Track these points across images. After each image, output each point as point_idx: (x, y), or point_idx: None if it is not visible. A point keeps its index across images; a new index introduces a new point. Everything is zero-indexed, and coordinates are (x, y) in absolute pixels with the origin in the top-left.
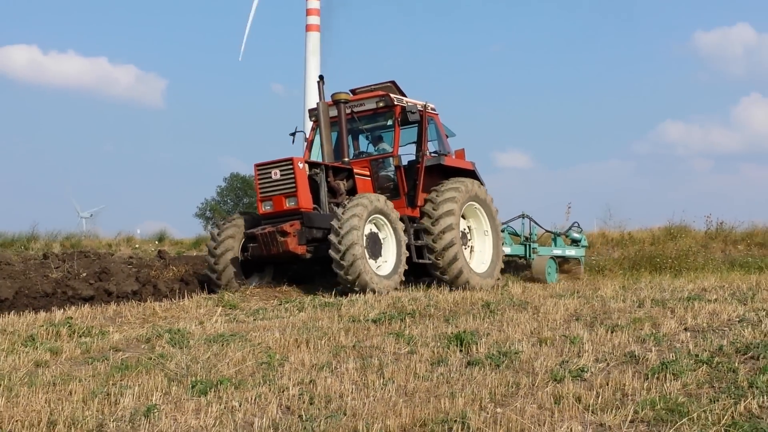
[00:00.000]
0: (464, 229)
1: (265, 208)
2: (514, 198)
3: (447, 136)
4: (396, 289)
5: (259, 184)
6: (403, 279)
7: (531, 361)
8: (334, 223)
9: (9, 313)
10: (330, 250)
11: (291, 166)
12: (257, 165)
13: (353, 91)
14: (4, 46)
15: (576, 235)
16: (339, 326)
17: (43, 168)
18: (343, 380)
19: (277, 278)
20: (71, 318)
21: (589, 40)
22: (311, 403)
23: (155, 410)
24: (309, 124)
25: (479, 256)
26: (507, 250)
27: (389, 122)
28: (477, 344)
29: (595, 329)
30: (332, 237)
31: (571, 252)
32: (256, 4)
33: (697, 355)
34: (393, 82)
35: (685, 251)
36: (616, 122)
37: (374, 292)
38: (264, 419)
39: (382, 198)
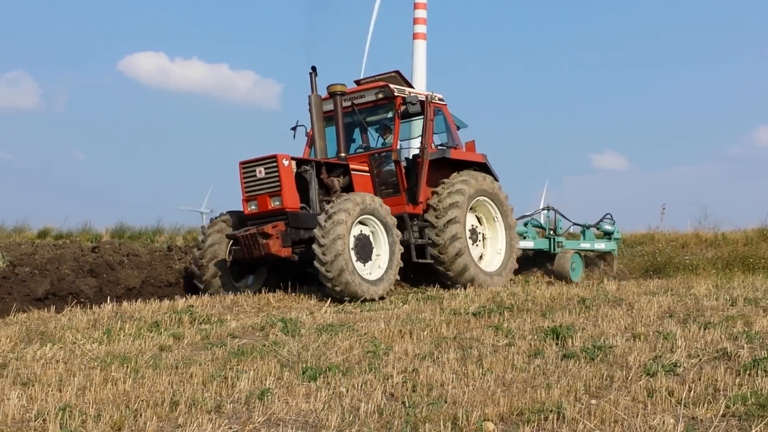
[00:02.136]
0: (474, 225)
1: (251, 208)
2: (608, 198)
3: (458, 128)
4: (389, 292)
5: (244, 182)
6: (398, 278)
7: (625, 356)
8: (317, 231)
9: (136, 301)
10: (315, 261)
11: (275, 164)
12: (242, 162)
13: (358, 82)
14: (134, 54)
15: (608, 227)
16: (441, 318)
17: (169, 166)
18: (444, 370)
19: (271, 280)
20: (192, 306)
21: (685, 46)
22: (414, 391)
23: (269, 393)
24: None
25: (491, 252)
26: (530, 244)
27: (390, 114)
28: (572, 338)
29: (688, 326)
30: (316, 247)
31: (600, 245)
32: (374, 21)
33: None
34: (398, 72)
35: None
36: (711, 126)
37: (364, 301)
38: (369, 405)
39: (370, 197)
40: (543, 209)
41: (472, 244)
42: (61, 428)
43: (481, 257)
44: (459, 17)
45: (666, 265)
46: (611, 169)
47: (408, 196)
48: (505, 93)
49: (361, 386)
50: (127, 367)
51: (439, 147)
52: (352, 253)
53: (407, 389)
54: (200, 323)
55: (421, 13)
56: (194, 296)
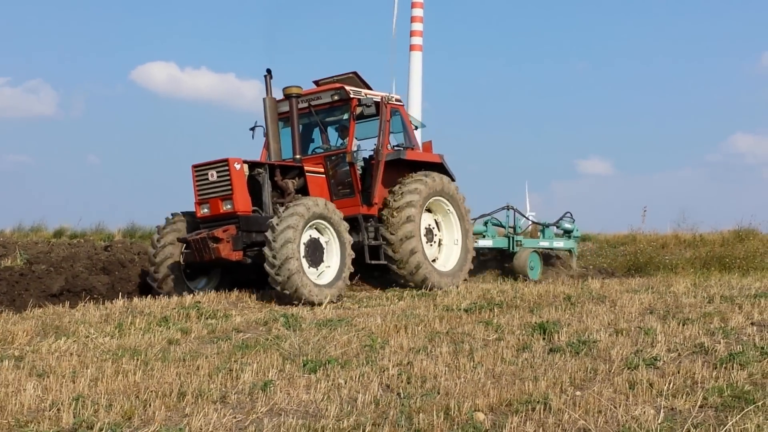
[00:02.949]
0: (430, 225)
1: (203, 211)
2: (593, 202)
3: (416, 128)
4: (337, 299)
5: (197, 185)
6: (348, 284)
7: (608, 350)
8: (268, 235)
9: (145, 297)
10: (265, 264)
11: (227, 168)
12: (194, 166)
13: (317, 83)
14: (146, 63)
15: (567, 226)
16: (434, 314)
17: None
18: (438, 363)
19: (225, 282)
20: (199, 302)
21: (666, 57)
22: (408, 383)
23: (271, 385)
24: None
25: (447, 252)
26: (489, 243)
27: (345, 116)
28: (558, 333)
29: (668, 322)
30: (266, 251)
31: (559, 244)
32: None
33: (762, 348)
34: (355, 73)
35: (752, 252)
36: (690, 134)
37: (312, 305)
38: (366, 395)
39: (322, 201)
40: (502, 208)
41: (427, 243)
42: (74, 417)
43: (436, 258)
44: (451, 25)
45: (647, 264)
46: (596, 173)
47: (362, 198)
48: (493, 99)
49: (359, 378)
50: (138, 359)
51: (395, 148)
52: (303, 257)
53: (402, 381)
54: (206, 318)
55: (417, 26)
56: (201, 293)
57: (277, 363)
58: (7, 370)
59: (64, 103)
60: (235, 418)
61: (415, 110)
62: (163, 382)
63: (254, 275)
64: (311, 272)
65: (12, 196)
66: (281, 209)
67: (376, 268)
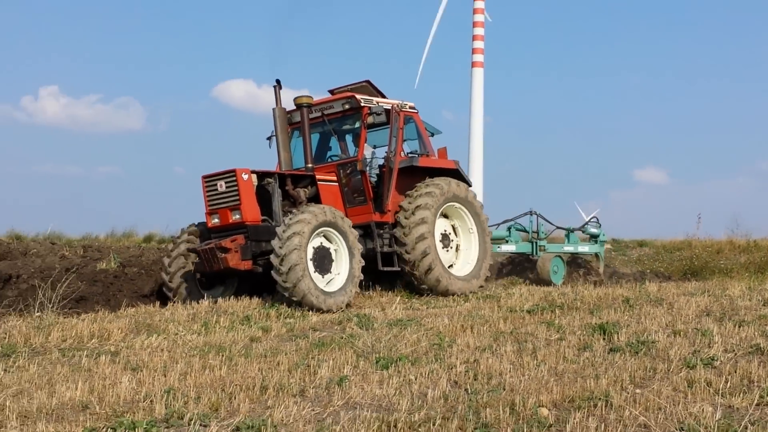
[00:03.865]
0: (446, 231)
1: (213, 221)
2: (649, 210)
3: (432, 135)
4: (349, 305)
5: (207, 196)
6: (358, 291)
7: (666, 350)
8: (275, 242)
9: (229, 298)
10: (272, 271)
11: (234, 178)
12: (204, 177)
13: (332, 92)
14: (226, 81)
15: (594, 230)
16: (498, 315)
17: None
18: (502, 360)
19: (241, 290)
20: (279, 303)
21: (718, 68)
22: (475, 379)
23: (346, 380)
24: None
25: (465, 257)
26: (512, 248)
27: (357, 124)
28: (618, 333)
29: (724, 324)
30: (273, 258)
31: (584, 248)
32: (431, 39)
33: None
34: (368, 82)
35: None
36: (743, 142)
37: (321, 311)
38: (436, 391)
39: (329, 209)
40: (525, 214)
41: (443, 248)
42: (166, 408)
43: (453, 263)
44: (510, 40)
45: (702, 268)
46: (652, 182)
47: (375, 205)
48: (551, 111)
49: (428, 374)
50: (223, 355)
51: (409, 155)
52: (310, 264)
53: (469, 378)
54: (285, 318)
55: (478, 44)
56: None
57: (351, 360)
58: (105, 364)
59: (151, 117)
60: (313, 410)
61: (476, 124)
62: (247, 377)
63: (271, 283)
64: (319, 279)
65: (105, 205)
66: (279, 228)
67: (393, 275)
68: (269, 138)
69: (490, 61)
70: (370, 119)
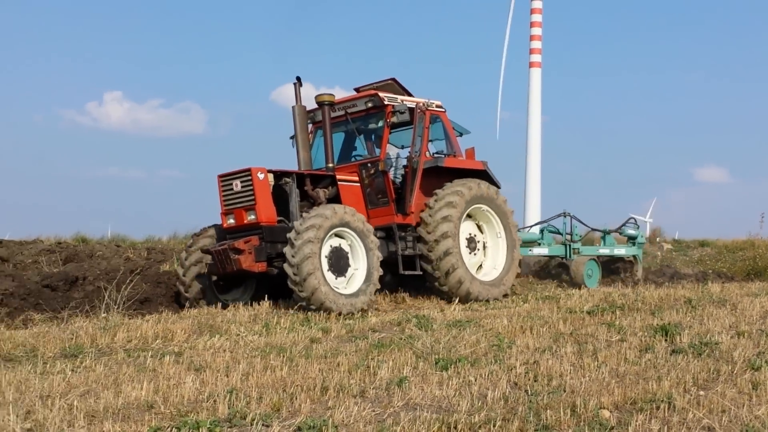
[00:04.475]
0: (472, 234)
1: (229, 221)
2: (710, 209)
3: (461, 134)
4: (368, 306)
5: (222, 196)
6: (378, 287)
7: (730, 351)
8: (287, 251)
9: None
10: (288, 280)
11: (250, 177)
12: (220, 176)
13: (357, 90)
14: (285, 85)
15: (631, 232)
16: (558, 316)
17: None
18: (563, 362)
19: (259, 293)
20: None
21: None
22: (535, 381)
23: (406, 381)
24: None
25: (491, 261)
26: (544, 251)
27: (381, 123)
28: (680, 335)
29: None
30: (287, 267)
31: (620, 251)
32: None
33: None
34: (394, 79)
35: None
36: None
37: (340, 314)
38: (496, 392)
39: (341, 209)
40: (558, 215)
41: (470, 253)
42: (229, 408)
43: (480, 266)
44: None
45: (766, 269)
46: (712, 181)
47: (397, 206)
48: (609, 109)
49: (488, 376)
50: (284, 356)
51: (435, 155)
52: (326, 269)
53: (529, 379)
54: (345, 319)
55: (536, 44)
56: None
57: (410, 361)
58: (169, 364)
59: (212, 121)
60: (373, 411)
61: (534, 124)
62: (307, 377)
63: (288, 287)
64: (337, 282)
65: (167, 208)
66: (297, 222)
67: (416, 278)
68: (292, 137)
69: (548, 59)
70: (393, 118)
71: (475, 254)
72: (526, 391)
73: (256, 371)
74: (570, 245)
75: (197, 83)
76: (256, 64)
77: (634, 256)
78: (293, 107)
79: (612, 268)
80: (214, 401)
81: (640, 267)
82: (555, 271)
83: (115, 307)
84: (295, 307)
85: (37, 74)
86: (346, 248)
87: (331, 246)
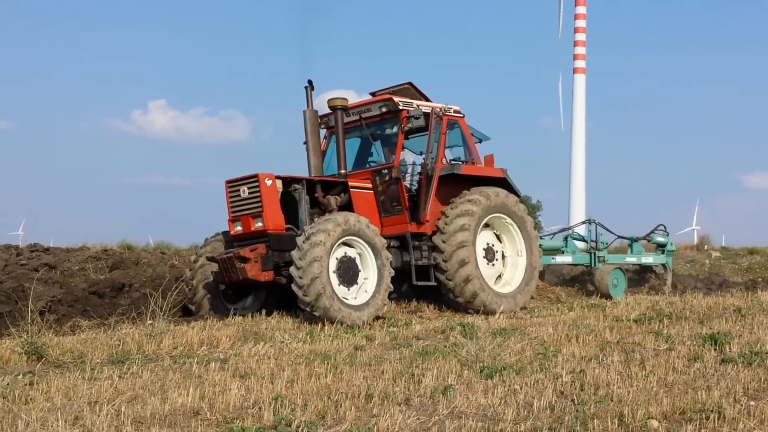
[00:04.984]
0: (490, 244)
1: (236, 228)
2: (759, 217)
3: (480, 141)
4: (378, 317)
5: (230, 202)
6: (387, 302)
7: None
8: (295, 254)
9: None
10: (293, 285)
11: (257, 184)
12: (227, 182)
13: (373, 94)
14: (328, 92)
15: (660, 239)
16: (604, 324)
17: None
18: (609, 371)
19: (269, 302)
20: (382, 313)
21: None
22: (582, 390)
23: (451, 389)
24: None
25: (510, 273)
26: (568, 259)
27: (395, 128)
28: (730, 344)
29: None
30: (293, 270)
31: (648, 259)
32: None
33: None
34: (410, 84)
35: None
36: None
37: (347, 326)
38: (541, 401)
39: (353, 217)
40: (583, 222)
41: (488, 264)
42: (274, 415)
43: (499, 277)
44: (613, 45)
45: None
46: (761, 188)
47: (411, 215)
48: (655, 116)
49: (533, 384)
50: (328, 363)
51: (452, 162)
52: (334, 276)
53: (575, 388)
54: (389, 326)
55: (580, 50)
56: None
57: (455, 369)
58: (214, 371)
59: (255, 128)
60: (418, 419)
61: (578, 131)
62: (352, 385)
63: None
64: (343, 292)
65: (209, 215)
66: (299, 238)
67: (432, 289)
68: (305, 143)
69: (592, 65)
70: (408, 123)
71: (493, 265)
72: (572, 400)
73: (301, 378)
74: (595, 253)
75: (240, 91)
76: (298, 70)
77: (663, 265)
78: (304, 111)
79: (642, 278)
80: (260, 408)
81: (669, 276)
82: (580, 280)
83: (161, 314)
84: (300, 317)
85: (83, 83)
86: (357, 259)
87: (341, 254)
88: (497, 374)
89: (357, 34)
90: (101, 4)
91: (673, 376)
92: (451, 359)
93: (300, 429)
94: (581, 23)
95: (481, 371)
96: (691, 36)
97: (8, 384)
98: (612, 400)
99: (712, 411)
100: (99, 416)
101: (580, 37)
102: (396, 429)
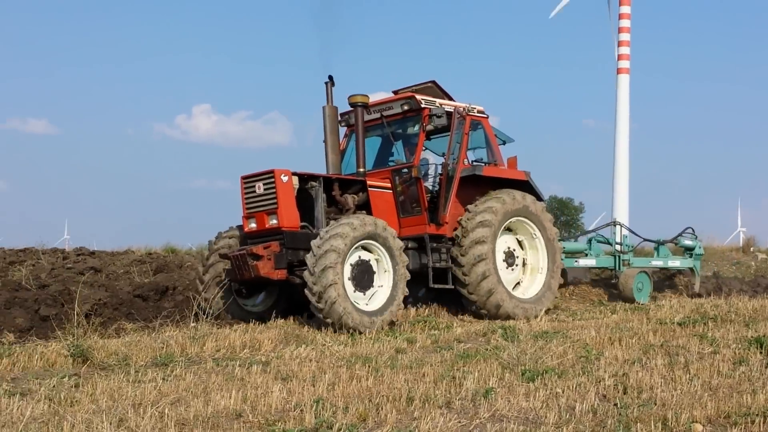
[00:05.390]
0: (510, 248)
1: (250, 225)
2: None
3: (504, 142)
4: (393, 322)
5: (245, 198)
6: (403, 308)
7: None
8: (309, 258)
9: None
10: (306, 290)
11: (273, 180)
12: (243, 177)
13: (396, 92)
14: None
15: (688, 242)
16: (647, 327)
17: None
18: (653, 374)
19: (281, 302)
20: (425, 316)
21: None
22: (625, 393)
23: (492, 392)
24: None
25: (530, 277)
26: (592, 262)
27: (416, 127)
28: None
29: None
30: (306, 276)
31: (675, 263)
32: None
33: None
34: (434, 82)
35: None
36: None
37: (360, 333)
38: (584, 405)
39: (371, 220)
40: (608, 224)
41: (507, 268)
42: (315, 418)
43: (518, 283)
44: (659, 45)
45: None
46: None
47: (430, 216)
48: (700, 117)
49: (576, 388)
50: (369, 366)
51: (473, 163)
52: (349, 282)
53: (618, 391)
54: (430, 329)
55: (624, 50)
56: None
57: (496, 372)
58: (256, 373)
59: (298, 132)
60: (459, 422)
61: (622, 132)
62: (393, 388)
63: None
64: (358, 298)
65: None
66: (322, 231)
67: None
68: (324, 140)
69: (636, 64)
70: (430, 122)
71: (512, 270)
72: (615, 404)
73: (342, 381)
74: (620, 256)
75: (283, 94)
76: (340, 73)
77: (690, 269)
78: (323, 108)
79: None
80: (301, 411)
81: (697, 280)
82: (606, 284)
83: (204, 317)
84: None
85: (129, 89)
86: (373, 263)
87: (356, 258)
88: (539, 377)
89: (386, 33)
90: (145, 9)
91: (718, 380)
92: (492, 362)
93: (341, 431)
94: (626, 23)
95: (522, 374)
96: (738, 33)
97: (54, 386)
98: (655, 404)
99: (757, 415)
100: (143, 418)
101: (625, 37)
102: None
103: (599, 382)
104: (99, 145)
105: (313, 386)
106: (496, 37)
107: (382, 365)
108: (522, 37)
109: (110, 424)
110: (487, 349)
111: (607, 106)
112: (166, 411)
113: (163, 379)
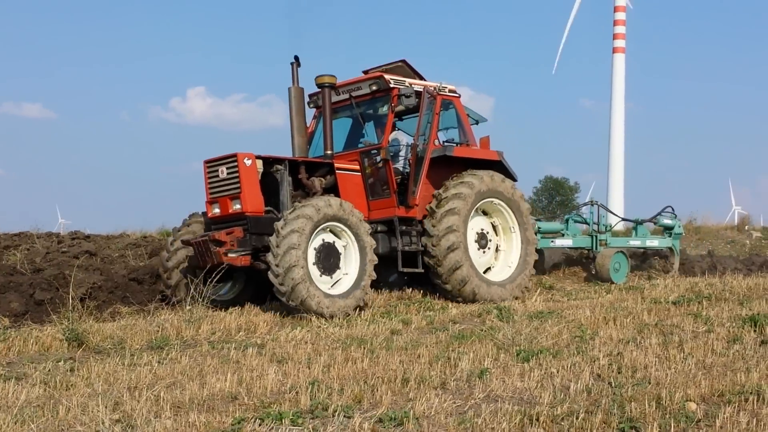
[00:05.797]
0: (483, 230)
1: (214, 211)
2: None
3: (477, 122)
4: (357, 307)
5: (208, 183)
6: (369, 292)
7: None
8: (272, 240)
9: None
10: (269, 272)
11: (236, 163)
12: (206, 161)
13: (366, 72)
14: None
15: (667, 222)
16: (642, 307)
17: None
18: (647, 353)
19: (248, 289)
20: (420, 297)
21: None
22: (619, 372)
23: (487, 373)
24: None
25: (504, 259)
26: (569, 242)
27: (385, 108)
28: None
29: None
30: (270, 257)
31: (653, 243)
32: (571, 22)
33: None
34: (404, 61)
35: None
36: None
37: (324, 317)
38: (578, 384)
39: (336, 201)
40: (585, 204)
41: (479, 249)
42: (311, 399)
43: (491, 266)
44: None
45: None
46: None
47: (399, 199)
48: (697, 95)
49: (570, 367)
50: (364, 348)
51: (444, 143)
52: (312, 265)
53: (613, 371)
54: (425, 310)
55: (620, 29)
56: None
57: (491, 352)
58: (252, 356)
59: None
60: (454, 403)
61: (617, 111)
62: (388, 369)
63: None
64: (323, 281)
65: None
66: (277, 223)
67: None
68: (291, 122)
69: (632, 45)
70: (400, 102)
71: (485, 252)
72: (609, 383)
73: (338, 363)
74: (597, 236)
75: (278, 76)
76: (334, 55)
77: (669, 248)
78: (289, 89)
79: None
80: (297, 393)
81: (677, 260)
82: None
83: (199, 300)
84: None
85: (122, 72)
86: (339, 246)
87: (321, 241)
88: (534, 357)
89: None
90: None
91: (712, 359)
92: (487, 343)
93: (336, 413)
94: (621, 2)
95: (517, 354)
96: (733, 12)
97: (49, 370)
98: (650, 383)
99: (751, 393)
100: (139, 401)
101: (620, 16)
102: (432, 413)
103: (594, 361)
104: (94, 129)
105: (309, 368)
106: (492, 19)
107: (378, 347)
108: (518, 17)
109: (106, 407)
110: (482, 330)
111: (604, 85)
112: (162, 394)
113: (159, 362)
